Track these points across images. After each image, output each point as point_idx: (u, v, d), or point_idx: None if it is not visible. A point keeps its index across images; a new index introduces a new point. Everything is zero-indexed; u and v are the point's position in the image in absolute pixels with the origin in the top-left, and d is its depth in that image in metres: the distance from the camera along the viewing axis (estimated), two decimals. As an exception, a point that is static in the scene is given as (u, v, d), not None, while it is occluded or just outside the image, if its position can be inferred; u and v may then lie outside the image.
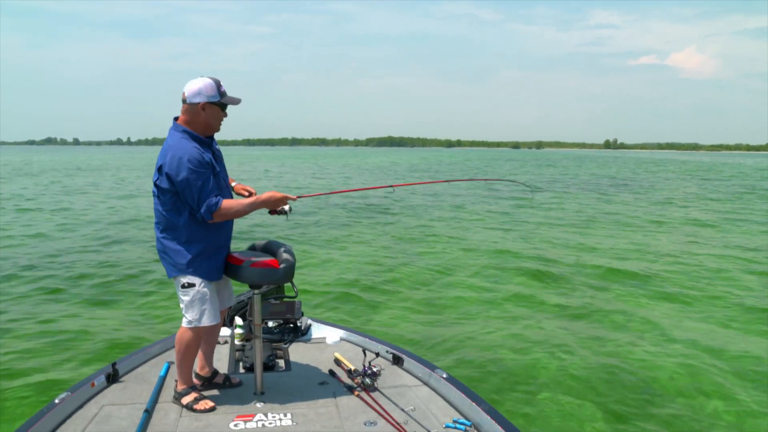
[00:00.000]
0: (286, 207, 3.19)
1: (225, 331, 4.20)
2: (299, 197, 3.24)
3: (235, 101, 3.09)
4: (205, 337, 3.32)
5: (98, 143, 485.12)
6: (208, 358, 3.42)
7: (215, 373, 3.45)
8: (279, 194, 3.10)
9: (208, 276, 3.09)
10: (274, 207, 3.14)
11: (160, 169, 2.95)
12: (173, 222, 3.02)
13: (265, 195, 3.09)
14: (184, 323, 3.11)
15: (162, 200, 3.00)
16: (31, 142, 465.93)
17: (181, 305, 3.10)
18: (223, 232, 3.15)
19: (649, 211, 18.77)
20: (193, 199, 2.93)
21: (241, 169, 47.56)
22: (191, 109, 3.00)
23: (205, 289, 3.07)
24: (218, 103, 3.03)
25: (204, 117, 3.01)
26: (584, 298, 7.96)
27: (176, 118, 3.07)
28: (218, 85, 3.02)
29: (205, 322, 3.08)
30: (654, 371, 5.42)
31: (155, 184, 3.00)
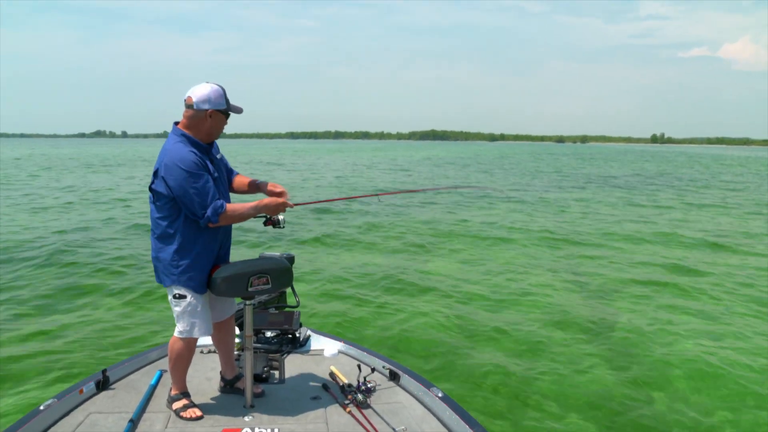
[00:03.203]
0: (280, 217, 3.14)
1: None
2: (295, 205, 3.23)
3: (238, 110, 3.08)
4: (219, 345, 3.38)
5: (145, 136, 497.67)
6: (228, 361, 3.41)
7: (238, 377, 3.41)
8: (280, 200, 3.09)
9: (199, 288, 3.03)
10: (275, 212, 3.09)
11: (156, 173, 2.93)
12: (167, 229, 2.97)
13: (267, 199, 3.09)
14: (176, 333, 3.09)
15: (158, 206, 2.97)
16: (82, 135, 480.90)
17: (174, 314, 3.06)
18: (217, 244, 3.08)
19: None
20: (192, 203, 2.87)
21: (302, 161, 47.76)
22: (197, 114, 2.96)
23: (196, 301, 3.04)
24: (224, 112, 3.01)
25: (209, 124, 2.99)
26: (605, 313, 7.04)
27: (176, 123, 3.02)
28: (225, 92, 3.01)
29: (196, 334, 3.06)
30: (697, 406, 4.66)
31: (151, 189, 2.97)
